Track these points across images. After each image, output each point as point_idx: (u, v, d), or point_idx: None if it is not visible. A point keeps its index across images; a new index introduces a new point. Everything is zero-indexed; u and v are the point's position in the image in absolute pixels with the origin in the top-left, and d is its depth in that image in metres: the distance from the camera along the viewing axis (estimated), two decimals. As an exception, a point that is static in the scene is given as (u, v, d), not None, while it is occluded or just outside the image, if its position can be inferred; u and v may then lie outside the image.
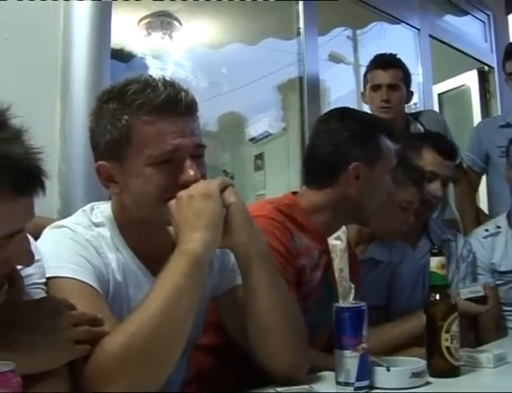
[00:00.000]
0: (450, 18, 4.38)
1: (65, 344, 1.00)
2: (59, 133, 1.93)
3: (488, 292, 1.72)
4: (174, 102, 1.17)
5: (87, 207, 1.31)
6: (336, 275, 1.21)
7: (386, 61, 2.77)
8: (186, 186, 1.16)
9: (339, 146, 1.58)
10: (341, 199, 1.58)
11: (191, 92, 1.22)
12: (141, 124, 1.17)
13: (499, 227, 2.37)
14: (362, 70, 3.12)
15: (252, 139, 5.01)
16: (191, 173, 1.17)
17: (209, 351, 1.53)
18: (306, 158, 1.69)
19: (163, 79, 1.21)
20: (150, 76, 1.22)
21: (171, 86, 1.19)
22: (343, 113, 1.70)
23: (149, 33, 3.65)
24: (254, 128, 4.95)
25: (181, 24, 3.66)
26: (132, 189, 1.20)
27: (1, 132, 0.90)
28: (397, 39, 3.96)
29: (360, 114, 1.78)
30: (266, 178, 5.00)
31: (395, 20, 3.86)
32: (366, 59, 3.11)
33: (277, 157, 4.89)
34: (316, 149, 1.63)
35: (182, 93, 1.19)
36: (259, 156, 5.13)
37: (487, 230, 2.38)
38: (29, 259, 1.00)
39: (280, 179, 4.61)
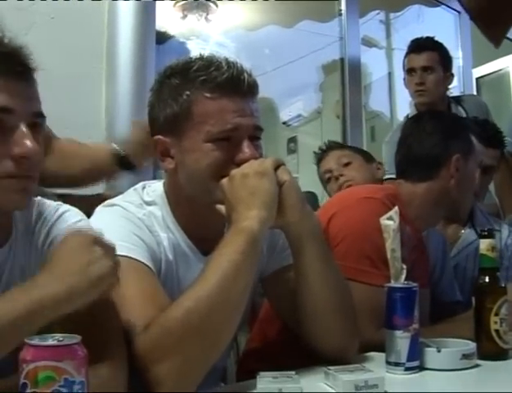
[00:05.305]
0: (492, 0, 4.30)
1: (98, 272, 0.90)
2: (104, 113, 1.96)
3: None
4: (237, 82, 1.18)
5: (139, 186, 1.31)
6: (388, 255, 1.20)
7: (419, 45, 2.79)
8: (241, 165, 1.16)
9: (440, 140, 1.67)
10: (441, 191, 1.65)
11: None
12: (202, 99, 1.17)
13: None
14: (395, 54, 3.10)
15: (285, 122, 4.99)
16: (249, 152, 1.17)
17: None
18: (400, 155, 1.75)
19: (227, 59, 1.21)
20: (214, 55, 1.22)
21: (234, 66, 1.19)
22: (432, 114, 1.84)
23: (185, 16, 3.64)
24: (288, 112, 4.93)
25: (217, 5, 3.65)
26: (187, 164, 1.20)
27: None
28: (436, 22, 3.91)
29: (447, 113, 1.93)
30: (299, 162, 4.98)
31: (435, 2, 3.81)
32: (399, 43, 3.08)
33: (310, 140, 4.86)
34: (414, 146, 1.71)
35: (245, 74, 1.19)
36: (292, 140, 5.11)
37: None
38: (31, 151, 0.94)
39: (313, 163, 4.58)
